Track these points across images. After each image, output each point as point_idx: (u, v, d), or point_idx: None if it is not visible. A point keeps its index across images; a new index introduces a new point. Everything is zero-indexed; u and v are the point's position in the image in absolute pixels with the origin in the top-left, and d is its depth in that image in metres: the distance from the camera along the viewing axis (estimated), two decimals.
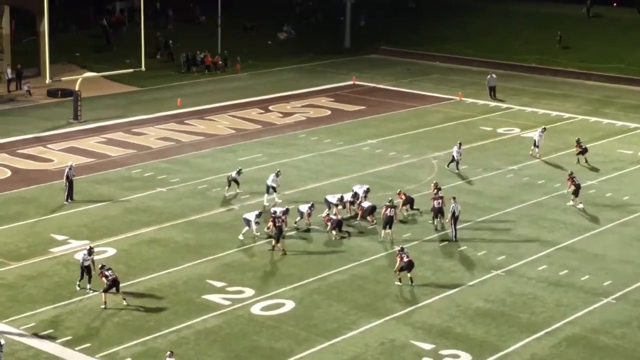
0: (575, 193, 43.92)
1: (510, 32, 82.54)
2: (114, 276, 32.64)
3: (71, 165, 44.18)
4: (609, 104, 66.10)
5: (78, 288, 33.87)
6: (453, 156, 48.71)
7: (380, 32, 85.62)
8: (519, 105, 64.70)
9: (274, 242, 37.96)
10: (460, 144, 49.06)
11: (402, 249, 35.38)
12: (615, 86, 71.91)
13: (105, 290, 32.59)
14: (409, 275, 34.94)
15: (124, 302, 32.66)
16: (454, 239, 39.38)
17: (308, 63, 77.62)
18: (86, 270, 33.92)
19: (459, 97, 66.47)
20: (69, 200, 43.07)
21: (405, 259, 34.86)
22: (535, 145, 51.80)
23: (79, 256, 34.56)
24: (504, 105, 64.41)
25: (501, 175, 48.60)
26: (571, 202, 43.92)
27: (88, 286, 33.81)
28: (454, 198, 40.12)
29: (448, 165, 48.91)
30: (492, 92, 66.48)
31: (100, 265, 33.20)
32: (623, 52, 76.86)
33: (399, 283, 34.97)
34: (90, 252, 34.14)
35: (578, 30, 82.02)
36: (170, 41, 76.60)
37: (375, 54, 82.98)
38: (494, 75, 67.47)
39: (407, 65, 78.40)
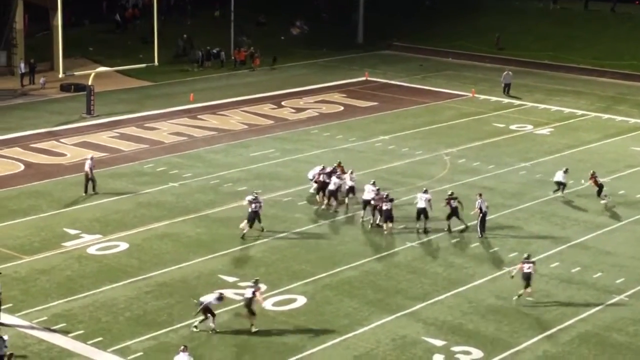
0: (598, 193, 43.78)
1: (523, 28, 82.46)
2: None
3: (92, 157, 44.36)
4: (622, 101, 65.93)
5: (195, 329, 30.86)
6: (560, 182, 44.72)
7: (393, 28, 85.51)
8: (531, 101, 64.57)
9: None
10: (567, 170, 44.95)
11: (528, 257, 33.66)
12: (628, 83, 71.74)
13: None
14: (529, 290, 33.32)
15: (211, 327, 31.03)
16: (480, 235, 39.13)
17: (321, 58, 77.63)
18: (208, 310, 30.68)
19: (472, 94, 66.38)
20: (87, 193, 43.23)
21: (526, 269, 33.12)
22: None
23: (208, 299, 30.71)
24: (517, 102, 64.30)
25: (514, 172, 48.51)
26: (603, 201, 43.66)
27: (212, 326, 30.79)
28: (480, 194, 39.88)
29: (555, 192, 44.76)
30: (507, 88, 66.29)
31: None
32: (637, 49, 76.61)
33: (528, 298, 33.41)
34: (221, 299, 30.93)
35: (591, 27, 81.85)
36: (185, 35, 76.34)
37: (388, 50, 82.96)
38: (510, 73, 67.28)
39: (420, 61, 78.33)
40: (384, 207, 39.47)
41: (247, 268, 35.84)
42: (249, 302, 30.81)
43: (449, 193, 40.53)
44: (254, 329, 30.77)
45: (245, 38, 75.82)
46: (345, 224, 40.89)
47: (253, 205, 38.59)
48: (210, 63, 73.68)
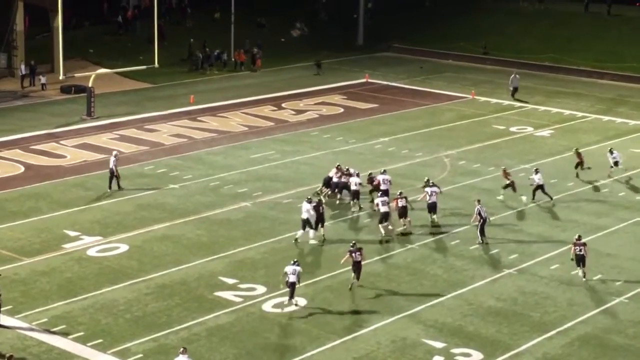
0: (512, 188, 43.84)
1: (524, 30, 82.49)
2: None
3: (116, 155, 44.75)
4: (622, 102, 65.92)
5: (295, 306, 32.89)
6: (538, 184, 44.20)
7: (393, 30, 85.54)
8: (532, 104, 64.55)
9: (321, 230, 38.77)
10: (537, 170, 44.66)
11: (579, 237, 35.64)
12: (629, 85, 71.70)
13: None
14: (583, 271, 35.38)
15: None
16: (480, 241, 38.88)
17: (321, 60, 77.49)
18: (292, 286, 32.65)
19: (472, 96, 66.38)
20: (111, 189, 43.89)
21: (578, 252, 35.18)
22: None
23: (289, 270, 32.56)
24: (517, 104, 64.27)
25: (514, 174, 48.32)
26: (500, 197, 43.81)
27: (294, 301, 32.76)
28: (479, 200, 39.81)
29: (533, 198, 44.18)
30: (514, 91, 65.81)
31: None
32: (637, 51, 76.58)
33: (583, 278, 35.44)
34: (297, 263, 33.00)
35: (591, 29, 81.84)
36: (192, 40, 75.94)
37: (388, 51, 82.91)
38: (517, 76, 66.92)
39: (420, 63, 78.29)
40: (400, 204, 39.80)
41: (246, 270, 35.84)
42: (358, 265, 33.81)
43: (399, 193, 40.57)
44: (356, 285, 34.12)
45: (257, 49, 75.68)
46: (346, 226, 40.87)
47: (320, 208, 38.68)
48: (213, 66, 73.25)
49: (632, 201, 44.82)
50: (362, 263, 34.17)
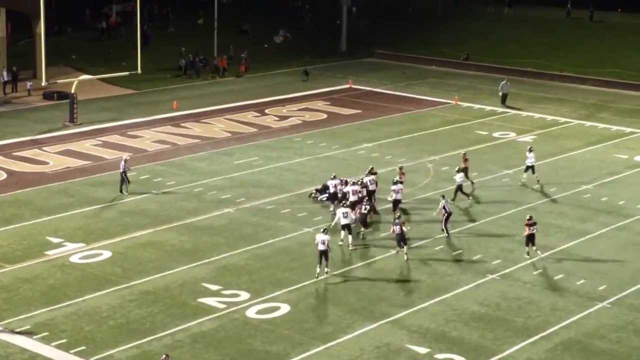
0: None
1: (506, 36, 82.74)
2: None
3: (125, 159, 45.19)
4: (604, 108, 66.18)
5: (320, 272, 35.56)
6: (458, 184, 44.44)
7: (377, 36, 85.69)
8: (515, 109, 64.72)
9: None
10: (459, 169, 45.05)
11: (530, 218, 38.17)
12: (610, 91, 72.00)
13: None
14: (534, 248, 37.92)
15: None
16: (447, 235, 39.91)
17: (304, 66, 77.58)
18: (323, 254, 35.37)
19: (455, 101, 66.52)
20: (122, 193, 44.29)
21: (532, 231, 37.68)
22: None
23: (319, 238, 35.33)
24: (500, 110, 64.45)
25: (496, 179, 48.62)
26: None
27: (326, 270, 35.58)
28: (443, 196, 40.42)
29: (454, 199, 44.18)
30: (504, 98, 65.80)
31: None
32: (619, 56, 76.97)
33: (527, 256, 38.02)
34: (326, 232, 35.80)
35: (574, 35, 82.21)
36: (183, 49, 75.69)
37: (372, 57, 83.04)
38: (508, 83, 66.94)
39: (403, 69, 78.43)
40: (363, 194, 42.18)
41: (230, 276, 35.80)
42: (401, 236, 37.06)
43: (370, 168, 43.62)
44: (406, 257, 37.28)
45: (244, 54, 75.79)
46: (329, 231, 40.85)
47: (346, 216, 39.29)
48: (216, 73, 73.28)
49: (615, 206, 44.97)
50: (404, 233, 37.33)
